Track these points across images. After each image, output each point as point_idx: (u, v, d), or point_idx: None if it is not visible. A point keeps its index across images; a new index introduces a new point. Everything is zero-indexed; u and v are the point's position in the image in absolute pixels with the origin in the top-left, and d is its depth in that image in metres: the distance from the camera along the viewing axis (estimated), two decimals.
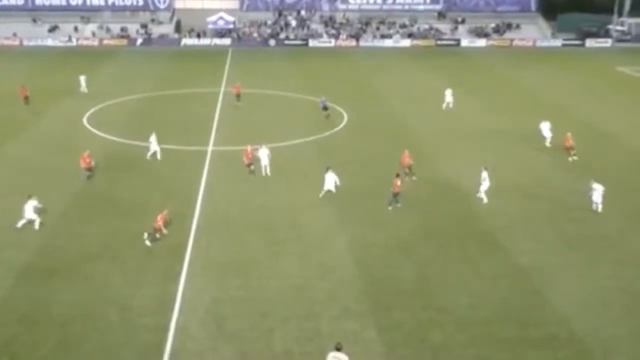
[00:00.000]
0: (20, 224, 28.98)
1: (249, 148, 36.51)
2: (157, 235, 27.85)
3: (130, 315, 22.48)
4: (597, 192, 31.27)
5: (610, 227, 29.88)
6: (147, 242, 27.48)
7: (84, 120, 47.92)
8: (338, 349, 18.75)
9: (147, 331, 21.58)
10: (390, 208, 31.44)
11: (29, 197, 29.57)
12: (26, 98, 50.42)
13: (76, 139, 43.03)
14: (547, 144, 41.67)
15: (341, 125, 47.45)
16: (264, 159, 36.14)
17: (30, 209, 29.10)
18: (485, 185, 32.74)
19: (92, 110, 51.07)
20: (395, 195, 31.50)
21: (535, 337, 21.58)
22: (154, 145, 38.91)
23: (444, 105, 52.17)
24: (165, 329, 21.67)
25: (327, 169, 32.92)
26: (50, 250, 27.19)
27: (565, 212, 31.75)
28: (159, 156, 38.86)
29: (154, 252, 26.95)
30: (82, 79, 57.33)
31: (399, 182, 31.50)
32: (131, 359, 20.27)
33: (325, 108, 48.32)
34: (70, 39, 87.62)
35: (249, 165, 36.25)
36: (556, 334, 21.72)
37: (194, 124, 47.52)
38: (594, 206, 31.44)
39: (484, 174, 32.79)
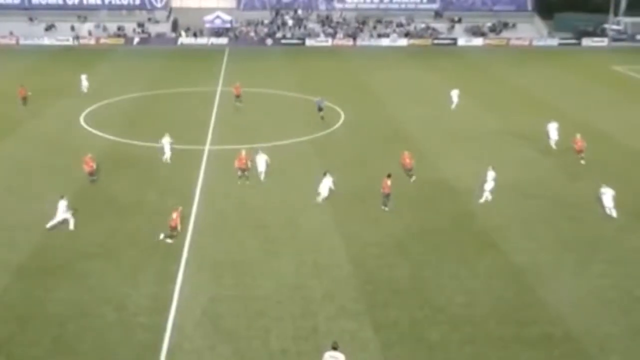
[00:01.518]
0: (50, 224, 28.63)
1: (243, 152, 35.05)
2: (174, 234, 27.84)
3: (127, 315, 22.49)
4: (607, 195, 30.69)
5: (605, 226, 29.96)
6: (169, 240, 27.63)
7: (81, 119, 47.89)
8: (334, 348, 18.78)
9: (144, 330, 21.59)
10: (386, 208, 31.26)
11: (61, 197, 29.17)
12: (24, 98, 49.82)
13: (73, 138, 43.03)
14: (553, 145, 41.25)
15: (338, 125, 47.48)
16: (260, 166, 34.89)
17: (63, 209, 28.76)
18: (490, 184, 32.57)
19: (89, 109, 51.01)
20: (386, 196, 31.21)
21: (530, 335, 21.64)
22: (167, 147, 37.99)
23: (453, 106, 51.96)
24: (162, 328, 21.68)
25: (324, 174, 32.22)
26: (46, 250, 27.16)
27: (560, 211, 31.82)
28: (169, 159, 38.07)
29: (150, 251, 26.96)
30: (84, 77, 56.82)
31: (388, 183, 31.09)
32: (127, 358, 20.28)
33: (320, 109, 47.35)
34: (77, 38, 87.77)
35: (242, 171, 34.59)
36: (551, 332, 21.79)
37: (191, 123, 47.51)
38: (607, 211, 30.80)
39: (491, 173, 32.66)
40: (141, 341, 21.03)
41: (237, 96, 51.96)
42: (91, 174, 34.34)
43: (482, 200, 32.53)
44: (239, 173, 34.55)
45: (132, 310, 22.78)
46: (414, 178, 35.19)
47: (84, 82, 56.46)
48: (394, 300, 23.67)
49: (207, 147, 41.29)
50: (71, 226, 28.75)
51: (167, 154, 38.07)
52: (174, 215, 28.01)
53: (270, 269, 25.81)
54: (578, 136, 38.72)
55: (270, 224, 29.84)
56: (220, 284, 24.60)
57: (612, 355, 20.65)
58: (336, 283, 24.81)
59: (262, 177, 34.89)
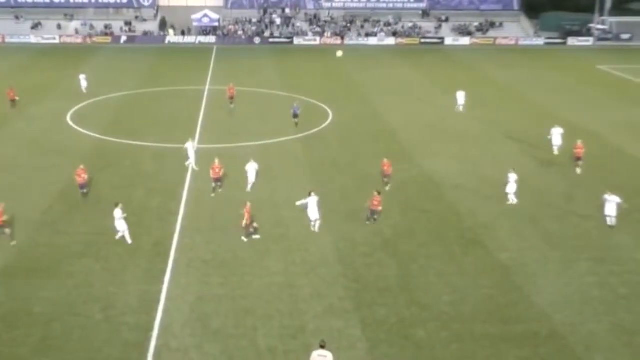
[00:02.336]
0: (118, 236, 27.76)
1: (216, 161, 33.04)
2: (252, 230, 27.92)
3: (114, 314, 22.41)
4: (612, 204, 29.23)
5: (590, 225, 30.18)
6: (256, 236, 27.90)
7: (68, 118, 47.65)
8: (322, 347, 18.79)
9: (131, 329, 21.53)
10: (368, 223, 29.85)
11: (116, 205, 27.90)
12: (13, 101, 48.74)
13: (59, 137, 42.82)
14: (556, 151, 39.79)
15: (326, 123, 47.53)
16: (251, 175, 33.41)
17: (120, 219, 27.40)
18: (513, 186, 32.27)
19: (76, 107, 50.78)
20: (374, 212, 29.67)
21: (516, 333, 21.79)
22: (191, 152, 36.65)
23: (460, 108, 51.10)
24: (149, 327, 21.63)
25: (309, 194, 29.22)
26: (32, 249, 27.03)
27: (546, 210, 32.03)
28: (194, 165, 36.52)
29: (137, 250, 26.89)
30: (83, 77, 55.89)
31: (379, 199, 29.38)
32: (114, 357, 20.21)
33: (295, 115, 45.52)
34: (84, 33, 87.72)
35: (216, 181, 32.87)
36: (537, 330, 21.94)
37: (178, 121, 47.38)
38: (608, 221, 29.47)
39: (512, 175, 32.41)
40: (128, 340, 20.98)
41: (231, 98, 50.71)
42: (82, 186, 32.28)
43: (509, 203, 32.50)
44: (213, 184, 32.89)
45: (119, 309, 22.71)
46: (389, 187, 33.79)
47: (83, 82, 55.58)
48: (381, 298, 23.76)
49: (195, 146, 41.10)
50: (129, 240, 27.47)
51: (192, 159, 36.63)
52: (245, 213, 27.37)
53: (258, 267, 25.82)
54: (579, 142, 37.03)
55: (258, 223, 29.78)
56: (208, 283, 24.58)
57: (597, 352, 20.82)
58: (324, 282, 24.85)
59: (249, 187, 33.36)
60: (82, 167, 32.52)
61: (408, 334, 21.64)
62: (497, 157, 39.80)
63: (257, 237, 27.92)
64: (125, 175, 35.79)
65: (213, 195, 32.76)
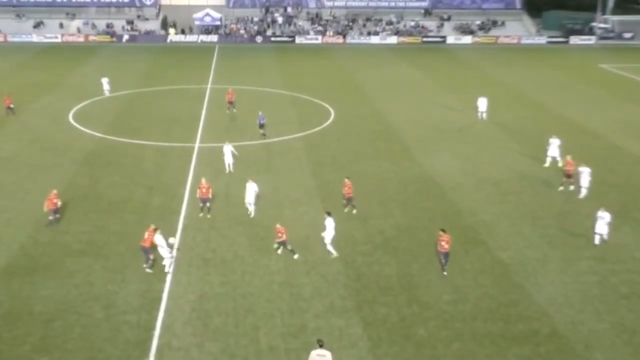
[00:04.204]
0: (166, 263, 25.70)
1: (203, 181, 30.61)
2: (289, 247, 26.63)
3: (115, 312, 22.45)
4: (603, 221, 27.75)
5: (590, 224, 30.07)
6: (295, 256, 26.41)
7: (70, 117, 47.70)
8: (321, 345, 18.79)
9: (132, 328, 21.57)
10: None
11: (155, 230, 25.54)
12: (9, 108, 47.41)
13: (61, 136, 42.87)
14: (547, 164, 37.83)
15: (328, 122, 47.52)
16: (249, 196, 30.56)
17: (163, 247, 25.32)
18: (586, 180, 32.43)
19: (78, 106, 50.83)
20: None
21: (517, 332, 21.79)
22: (228, 156, 35.88)
23: (482, 115, 48.35)
24: (150, 326, 21.67)
25: (327, 214, 27.41)
26: (33, 247, 27.06)
27: (546, 209, 32.01)
28: (232, 168, 35.93)
29: (139, 249, 26.82)
30: (105, 81, 55.04)
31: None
32: (115, 356, 20.25)
33: (261, 126, 43.30)
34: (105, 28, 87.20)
35: (204, 202, 30.30)
36: (538, 329, 21.94)
37: (180, 120, 47.42)
38: (595, 239, 27.92)
39: (586, 169, 32.57)
40: (129, 339, 21.01)
41: (230, 103, 49.54)
42: (54, 212, 29.05)
43: (581, 197, 32.60)
44: (200, 204, 30.59)
45: (120, 308, 22.75)
46: (355, 211, 31.09)
47: (106, 86, 54.76)
48: (382, 297, 23.76)
49: (197, 145, 41.21)
50: (167, 268, 25.33)
51: (229, 162, 35.92)
52: (279, 229, 26.56)
53: (258, 266, 25.83)
54: (569, 158, 34.37)
55: (259, 221, 29.84)
56: (209, 282, 24.60)
57: (598, 351, 20.82)
58: (325, 280, 24.87)
59: (252, 209, 30.74)
60: (54, 191, 29.45)
61: (409, 333, 21.64)
62: (498, 156, 39.77)
63: (296, 256, 26.55)
64: (126, 174, 35.80)
65: (201, 215, 30.26)
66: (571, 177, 33.88)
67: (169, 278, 24.76)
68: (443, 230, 25.52)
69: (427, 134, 44.73)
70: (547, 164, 37.93)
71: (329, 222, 26.72)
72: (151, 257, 25.30)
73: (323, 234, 26.96)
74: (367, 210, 31.39)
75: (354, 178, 33.63)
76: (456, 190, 34.12)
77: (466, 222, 30.33)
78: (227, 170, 35.65)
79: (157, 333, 21.35)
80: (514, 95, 58.14)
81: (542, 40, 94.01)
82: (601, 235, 27.99)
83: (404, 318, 22.50)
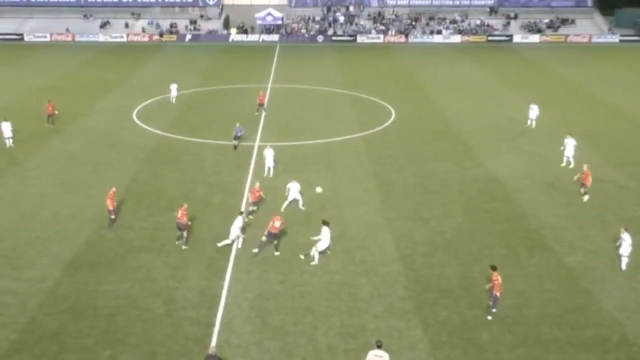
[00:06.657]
0: (221, 244, 27.05)
1: (257, 185, 31.13)
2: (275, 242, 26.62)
3: (175, 308, 22.65)
4: (626, 243, 25.38)
5: None
6: (276, 253, 26.46)
7: (133, 115, 48.65)
8: (379, 346, 18.53)
9: (192, 324, 21.71)
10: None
11: (241, 213, 27.55)
12: (50, 116, 44.76)
13: (125, 133, 43.72)
14: (564, 163, 36.87)
15: (389, 122, 47.06)
16: (293, 193, 30.92)
17: (238, 227, 26.71)
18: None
19: (142, 105, 51.80)
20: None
21: (585, 338, 21.00)
22: (269, 159, 35.38)
23: (532, 123, 45.33)
24: (210, 323, 21.78)
25: (324, 223, 26.50)
26: (97, 243, 27.58)
27: (615, 212, 30.84)
28: (272, 172, 35.46)
29: (199, 246, 27.13)
30: (174, 87, 53.59)
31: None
32: (176, 351, 20.41)
33: (236, 137, 40.26)
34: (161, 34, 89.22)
35: (254, 204, 30.60)
36: (607, 336, 21.09)
37: (241, 119, 47.60)
38: (622, 262, 25.57)
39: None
40: (189, 335, 21.15)
41: (261, 104, 49.14)
42: (111, 212, 29.04)
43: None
44: (251, 208, 30.53)
45: (180, 303, 22.94)
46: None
47: (174, 92, 53.45)
48: (443, 299, 23.27)
49: (256, 144, 41.36)
50: (239, 244, 26.84)
51: (270, 165, 35.40)
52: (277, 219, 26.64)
53: (318, 266, 25.64)
54: (585, 167, 32.69)
55: (319, 221, 29.63)
56: (268, 280, 24.58)
57: None
58: (384, 281, 24.53)
59: (300, 204, 30.98)
60: (113, 189, 29.48)
61: (471, 337, 21.11)
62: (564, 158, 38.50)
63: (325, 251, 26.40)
64: (186, 171, 36.21)
65: (246, 219, 28.83)
66: (586, 185, 32.22)
67: (228, 276, 24.86)
68: (493, 268, 22.69)
69: (490, 134, 43.77)
70: (563, 164, 36.96)
71: (325, 231, 26.01)
72: (184, 234, 27.09)
73: (315, 238, 26.27)
74: (428, 210, 30.84)
75: (414, 179, 33.20)
76: (520, 192, 33.21)
77: (530, 226, 29.45)
78: (266, 174, 34.85)
79: (216, 330, 21.44)
80: (584, 96, 56.34)
81: (615, 38, 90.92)
82: (623, 257, 25.51)
83: (466, 321, 21.96)
